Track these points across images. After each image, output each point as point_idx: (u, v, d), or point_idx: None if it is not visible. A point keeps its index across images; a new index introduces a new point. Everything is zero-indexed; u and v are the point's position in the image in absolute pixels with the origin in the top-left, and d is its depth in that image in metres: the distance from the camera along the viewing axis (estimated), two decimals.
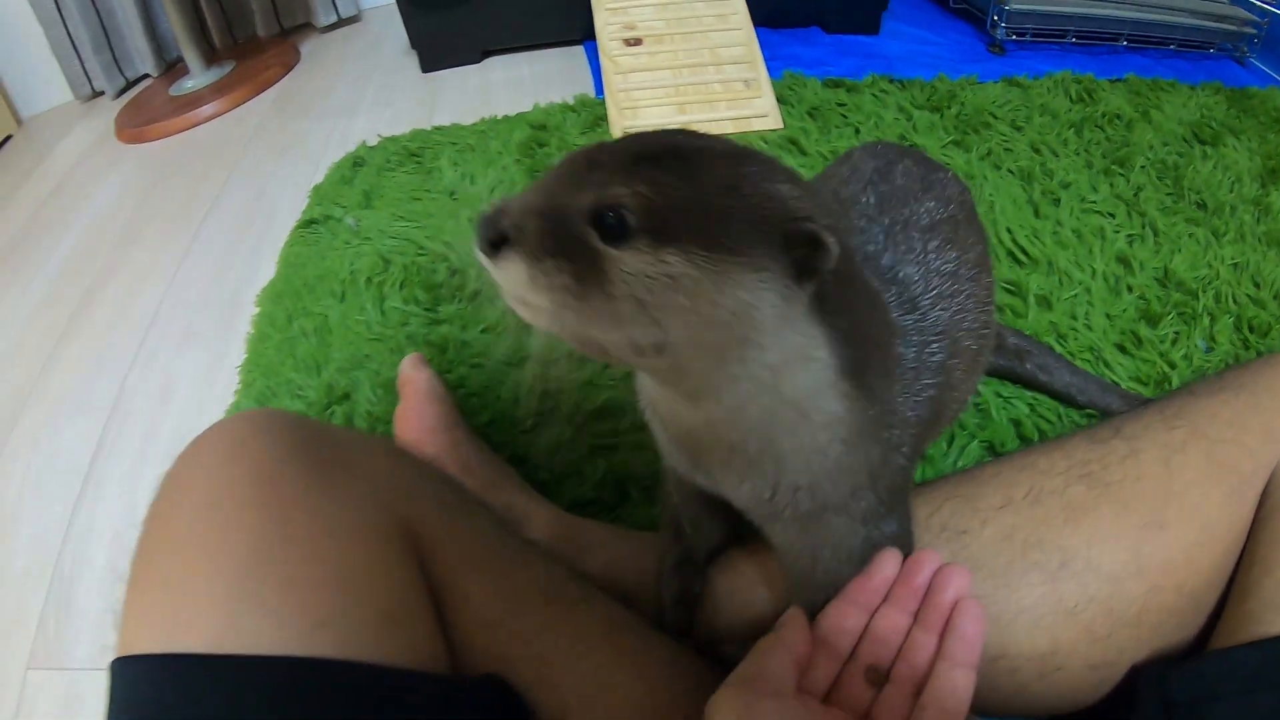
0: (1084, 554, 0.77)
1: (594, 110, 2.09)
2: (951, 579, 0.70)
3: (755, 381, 0.57)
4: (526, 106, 2.20)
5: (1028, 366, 1.22)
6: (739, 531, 0.87)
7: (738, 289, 0.52)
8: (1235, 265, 1.46)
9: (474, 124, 2.15)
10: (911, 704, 0.66)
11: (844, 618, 0.70)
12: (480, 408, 1.27)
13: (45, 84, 2.87)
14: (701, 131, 0.58)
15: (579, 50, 2.57)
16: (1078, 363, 1.27)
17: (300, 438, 0.71)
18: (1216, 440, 0.81)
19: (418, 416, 1.11)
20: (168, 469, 0.69)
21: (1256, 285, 1.41)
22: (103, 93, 2.90)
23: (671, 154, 0.53)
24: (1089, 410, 1.20)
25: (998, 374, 1.25)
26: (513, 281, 0.53)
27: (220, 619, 0.57)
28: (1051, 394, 1.23)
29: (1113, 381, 1.24)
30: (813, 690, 0.67)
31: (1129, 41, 2.37)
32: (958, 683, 0.65)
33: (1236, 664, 0.70)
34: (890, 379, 0.68)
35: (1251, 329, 1.33)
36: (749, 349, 0.55)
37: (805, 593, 0.74)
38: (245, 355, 1.52)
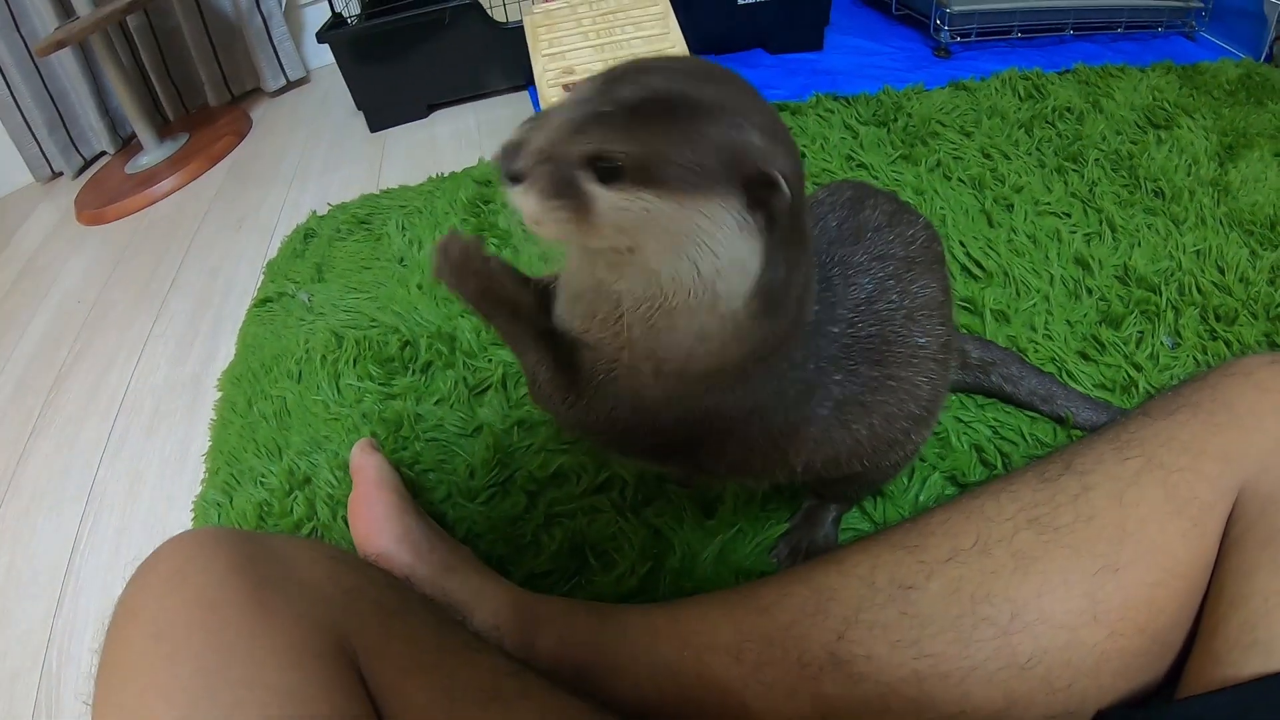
0: (1035, 605, 0.75)
1: None
2: None
3: (697, 276, 0.69)
4: (474, 159, 2.20)
5: (993, 379, 1.21)
6: None
7: (701, 218, 0.65)
8: (1197, 252, 1.45)
9: (421, 184, 2.15)
10: None
11: None
12: (436, 483, 1.25)
13: (5, 168, 2.90)
14: (702, 63, 0.70)
15: (524, 96, 2.59)
16: None
17: (239, 557, 0.72)
18: (1173, 469, 0.79)
19: (368, 506, 1.10)
20: (120, 593, 0.71)
21: (1220, 271, 1.40)
22: (62, 173, 2.94)
23: (662, 108, 0.64)
24: (1055, 420, 1.19)
25: (964, 389, 1.24)
26: (527, 210, 0.66)
27: None
28: (1017, 404, 1.22)
29: (1115, 407, 1.21)
30: None
31: (1075, 30, 2.37)
32: None
33: (1207, 711, 0.68)
34: (795, 324, 0.77)
35: (1218, 318, 1.32)
36: (703, 255, 0.67)
37: None
38: (209, 442, 1.51)
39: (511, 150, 0.66)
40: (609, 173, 0.64)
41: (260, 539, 0.79)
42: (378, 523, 1.07)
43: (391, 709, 0.71)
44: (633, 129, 0.64)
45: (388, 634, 0.76)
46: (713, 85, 0.67)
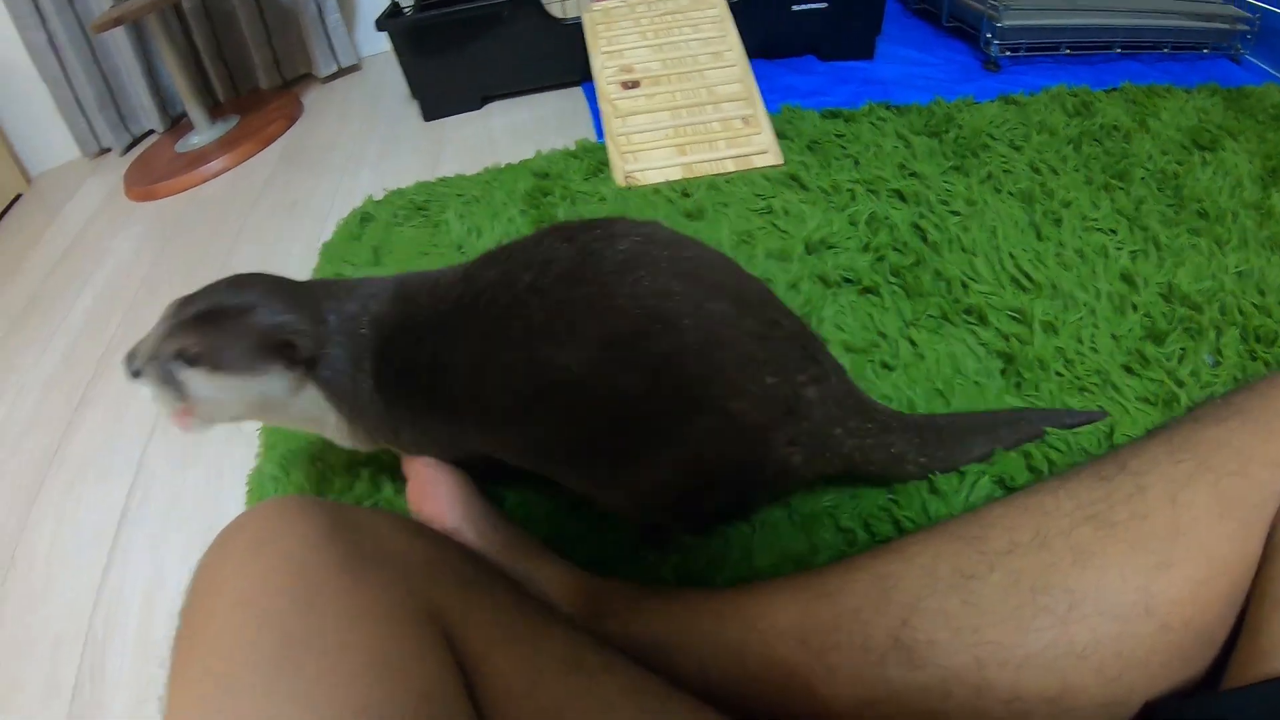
0: (1092, 597, 0.77)
1: (595, 155, 2.10)
2: None
3: (296, 415, 1.06)
4: (529, 152, 2.22)
5: (936, 467, 1.15)
6: None
7: (260, 385, 0.97)
8: (1240, 274, 1.45)
9: (478, 174, 2.17)
10: None
11: None
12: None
13: (52, 142, 2.95)
14: (251, 276, 1.04)
15: (578, 92, 2.61)
16: (1084, 385, 1.27)
17: (326, 525, 0.73)
18: (1223, 473, 0.81)
19: (432, 486, 1.12)
20: (200, 558, 0.72)
21: (1261, 293, 1.41)
22: (109, 149, 2.97)
23: (214, 314, 0.94)
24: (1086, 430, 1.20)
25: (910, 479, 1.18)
26: (151, 396, 0.95)
27: (262, 713, 0.58)
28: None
29: (1092, 409, 1.23)
30: None
31: (1122, 48, 2.38)
32: None
33: (1253, 701, 0.70)
34: (367, 406, 1.06)
35: (1258, 339, 1.32)
36: (283, 407, 1.03)
37: None
38: None
39: (131, 354, 0.94)
40: (190, 361, 0.93)
41: (344, 509, 0.79)
42: (443, 503, 1.09)
43: (479, 678, 0.72)
44: (196, 329, 0.93)
45: (472, 605, 0.77)
46: (245, 292, 0.98)
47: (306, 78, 3.23)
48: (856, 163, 1.91)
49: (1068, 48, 2.38)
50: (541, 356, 0.92)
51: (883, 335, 1.40)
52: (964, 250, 1.56)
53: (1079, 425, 1.19)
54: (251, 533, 0.72)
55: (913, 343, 1.38)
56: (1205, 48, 2.40)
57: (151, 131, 3.03)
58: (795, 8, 2.42)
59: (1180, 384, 1.25)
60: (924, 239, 1.62)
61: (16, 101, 2.84)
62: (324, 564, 0.68)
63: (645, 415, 0.92)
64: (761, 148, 1.97)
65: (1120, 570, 0.78)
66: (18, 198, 2.79)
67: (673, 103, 2.09)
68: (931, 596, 0.81)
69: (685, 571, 1.09)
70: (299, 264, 2.03)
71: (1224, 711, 0.71)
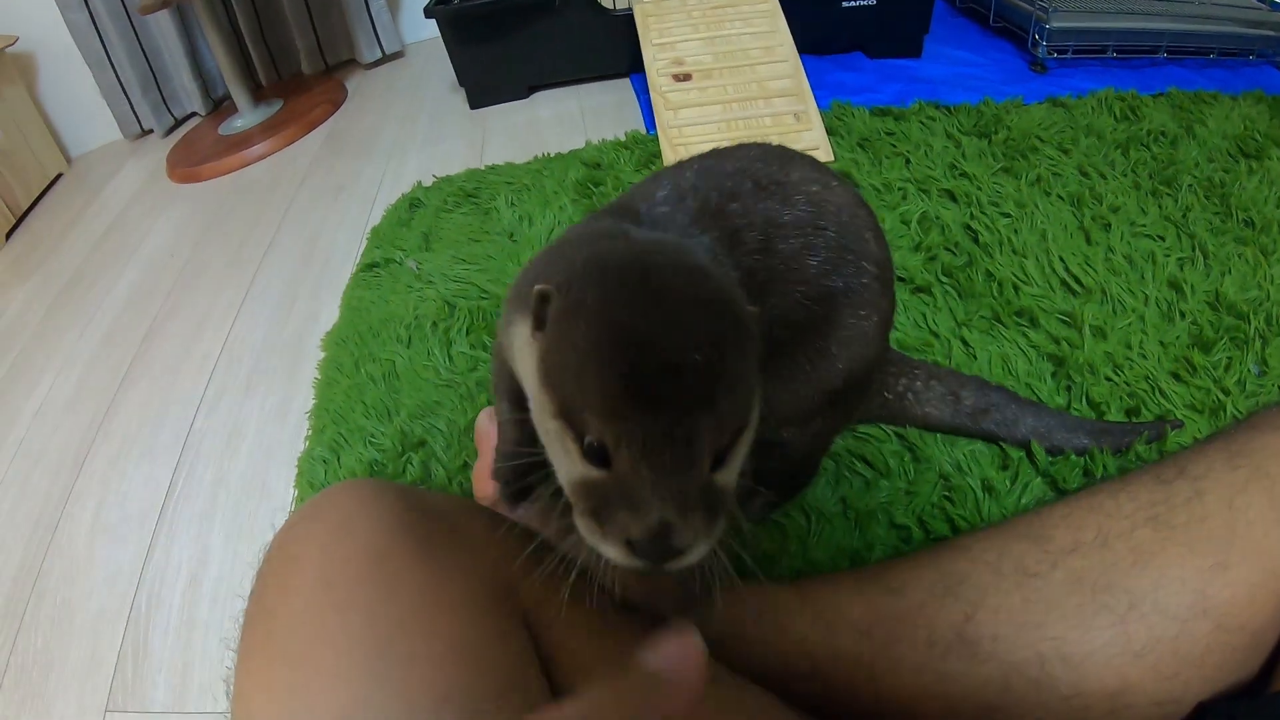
0: (1151, 596, 0.78)
1: (646, 147, 2.11)
2: None
3: None
4: (577, 142, 2.23)
5: (984, 426, 1.23)
6: None
7: None
8: None
9: (527, 162, 2.18)
10: None
11: None
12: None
13: (93, 123, 2.95)
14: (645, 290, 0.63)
15: (625, 83, 2.60)
16: (1133, 390, 1.27)
17: (403, 509, 0.73)
18: (1279, 479, 0.83)
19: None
20: (272, 538, 0.72)
21: None
22: (151, 131, 2.97)
23: (715, 367, 0.59)
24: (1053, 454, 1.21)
25: (957, 433, 1.26)
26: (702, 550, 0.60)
27: (346, 696, 0.58)
28: (1014, 444, 1.22)
29: (1111, 422, 1.24)
30: None
31: (1169, 53, 2.37)
32: None
33: None
34: None
35: None
36: None
37: None
38: (314, 401, 1.53)
39: (666, 539, 0.58)
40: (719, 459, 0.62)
41: (419, 493, 0.79)
42: None
43: (557, 665, 0.73)
44: (714, 403, 0.60)
45: (551, 590, 0.79)
46: (691, 313, 0.62)
47: (349, 63, 3.24)
48: (907, 161, 1.91)
49: (1114, 51, 2.37)
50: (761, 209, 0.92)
51: (935, 335, 1.41)
52: (1015, 252, 1.57)
53: (1157, 440, 1.20)
54: (332, 517, 0.72)
55: (965, 343, 1.39)
56: (1251, 54, 2.39)
57: (192, 114, 3.05)
58: (845, 4, 2.42)
59: (1226, 392, 1.26)
60: (975, 240, 1.63)
61: (57, 82, 2.85)
62: (403, 549, 0.69)
63: (848, 265, 0.93)
64: (813, 144, 1.97)
65: (1179, 572, 0.79)
66: (58, 178, 2.81)
67: (724, 96, 2.10)
68: (996, 594, 0.83)
69: (742, 564, 1.10)
70: (345, 248, 2.04)
71: (1275, 712, 0.73)
